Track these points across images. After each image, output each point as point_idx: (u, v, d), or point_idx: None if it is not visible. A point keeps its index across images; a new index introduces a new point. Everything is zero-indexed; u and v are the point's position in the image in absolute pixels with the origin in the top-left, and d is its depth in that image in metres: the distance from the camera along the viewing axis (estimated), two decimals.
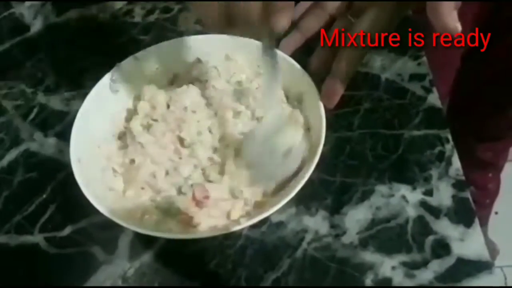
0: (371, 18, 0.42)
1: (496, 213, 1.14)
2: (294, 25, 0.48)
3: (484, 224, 1.12)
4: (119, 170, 0.42)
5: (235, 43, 0.46)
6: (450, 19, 0.36)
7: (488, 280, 0.37)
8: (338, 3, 0.47)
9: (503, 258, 1.16)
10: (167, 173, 0.41)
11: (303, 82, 0.44)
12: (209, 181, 0.41)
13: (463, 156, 0.90)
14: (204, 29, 0.49)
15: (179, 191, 0.40)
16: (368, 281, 0.38)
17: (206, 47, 0.47)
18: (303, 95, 0.44)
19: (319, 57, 0.46)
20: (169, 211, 0.39)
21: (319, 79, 0.43)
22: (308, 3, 0.50)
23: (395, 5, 0.43)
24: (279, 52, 0.45)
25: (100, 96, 0.44)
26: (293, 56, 0.46)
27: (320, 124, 0.40)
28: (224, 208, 0.39)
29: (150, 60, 0.46)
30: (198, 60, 0.47)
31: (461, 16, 0.38)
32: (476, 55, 0.78)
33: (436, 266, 0.38)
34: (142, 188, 0.40)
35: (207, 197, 0.38)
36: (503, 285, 1.16)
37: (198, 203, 0.38)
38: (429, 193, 0.42)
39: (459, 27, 0.36)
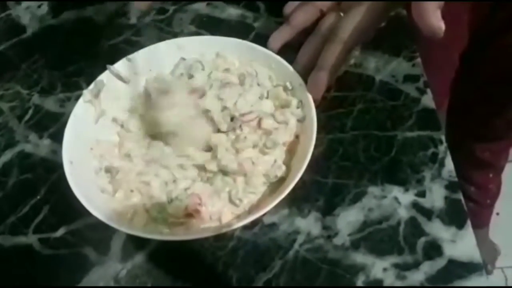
0: (358, 13, 0.43)
1: (498, 214, 1.14)
2: (285, 19, 0.49)
3: (485, 225, 1.12)
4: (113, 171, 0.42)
5: (226, 43, 0.47)
6: (434, 18, 0.36)
7: (479, 282, 0.37)
8: None
9: (504, 259, 1.16)
10: (163, 183, 0.41)
11: (296, 83, 0.44)
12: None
13: (462, 155, 0.91)
14: None
15: (172, 199, 0.40)
16: (359, 283, 0.38)
17: (199, 47, 0.47)
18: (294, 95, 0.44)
19: (307, 51, 0.46)
20: (158, 217, 0.39)
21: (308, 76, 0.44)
22: (299, 0, 0.50)
23: (383, 2, 0.43)
24: (278, 57, 0.45)
25: (92, 97, 0.44)
26: (282, 52, 0.46)
27: (311, 125, 0.40)
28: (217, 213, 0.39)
29: (143, 61, 0.47)
30: (182, 59, 0.47)
31: (457, 17, 0.38)
32: (474, 55, 0.78)
33: (427, 268, 0.38)
34: (132, 191, 0.40)
35: (198, 211, 0.38)
36: (503, 285, 1.16)
37: (189, 215, 0.38)
38: (421, 194, 0.42)
39: (442, 26, 0.36)
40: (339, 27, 0.43)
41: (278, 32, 0.48)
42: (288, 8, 0.51)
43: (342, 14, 0.45)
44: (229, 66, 0.46)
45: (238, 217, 0.39)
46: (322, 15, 0.47)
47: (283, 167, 0.40)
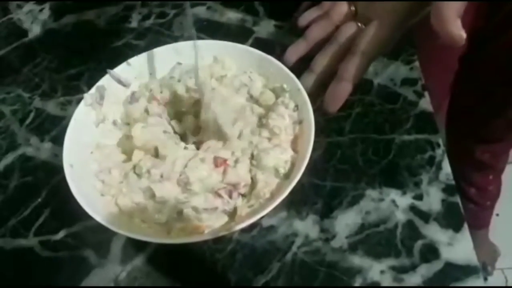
0: (379, 25, 0.43)
1: (497, 215, 1.14)
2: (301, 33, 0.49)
3: (485, 226, 1.12)
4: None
5: (224, 47, 0.47)
6: (455, 27, 0.36)
7: (476, 285, 0.37)
8: (343, 13, 0.47)
9: (504, 260, 1.16)
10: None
11: (294, 87, 0.44)
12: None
13: (463, 157, 0.91)
14: None
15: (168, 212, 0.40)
16: (357, 285, 0.38)
17: (198, 51, 0.47)
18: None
19: (323, 60, 0.46)
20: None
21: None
22: (315, 13, 0.51)
23: (401, 14, 0.44)
24: (276, 61, 0.45)
25: (93, 101, 0.44)
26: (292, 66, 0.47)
27: (309, 128, 0.40)
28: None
29: (143, 66, 0.47)
30: (178, 64, 0.47)
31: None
32: (473, 57, 0.78)
33: (424, 271, 0.38)
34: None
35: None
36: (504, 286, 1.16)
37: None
38: (419, 197, 0.42)
39: (463, 34, 0.36)
40: (360, 39, 0.44)
41: (294, 46, 0.49)
42: (304, 20, 0.51)
43: (359, 24, 0.45)
44: (226, 72, 0.47)
45: (237, 220, 0.40)
46: (337, 29, 0.47)
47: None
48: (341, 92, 0.44)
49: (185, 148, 0.43)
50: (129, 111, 0.45)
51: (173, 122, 0.45)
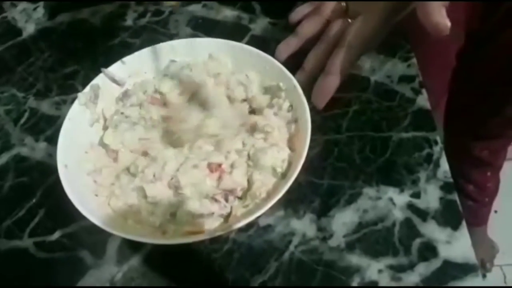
0: (366, 19, 0.43)
1: (496, 211, 1.14)
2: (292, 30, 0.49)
3: (483, 223, 1.12)
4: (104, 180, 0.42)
5: (219, 45, 0.47)
6: (440, 17, 0.36)
7: (474, 283, 0.37)
8: (334, 8, 0.47)
9: (503, 257, 1.16)
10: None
11: (290, 85, 0.44)
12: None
13: (461, 154, 0.90)
14: None
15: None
16: (355, 284, 0.38)
17: (193, 49, 0.47)
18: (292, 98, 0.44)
19: (314, 58, 0.46)
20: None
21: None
22: (306, 9, 0.50)
23: (391, 8, 0.43)
24: (272, 59, 0.45)
25: (88, 100, 0.44)
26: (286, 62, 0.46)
27: (305, 126, 0.40)
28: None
29: (137, 64, 0.47)
30: (172, 61, 0.47)
31: (453, 17, 0.38)
32: (471, 55, 0.78)
33: (423, 269, 0.38)
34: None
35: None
36: (502, 284, 1.16)
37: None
38: (416, 195, 0.42)
39: (448, 23, 0.36)
40: (348, 33, 0.43)
41: (285, 43, 0.49)
42: (295, 15, 0.51)
43: (350, 20, 0.45)
44: (222, 69, 0.46)
45: (232, 221, 0.39)
46: (329, 24, 0.47)
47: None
48: (328, 86, 0.44)
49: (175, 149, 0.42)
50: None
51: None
